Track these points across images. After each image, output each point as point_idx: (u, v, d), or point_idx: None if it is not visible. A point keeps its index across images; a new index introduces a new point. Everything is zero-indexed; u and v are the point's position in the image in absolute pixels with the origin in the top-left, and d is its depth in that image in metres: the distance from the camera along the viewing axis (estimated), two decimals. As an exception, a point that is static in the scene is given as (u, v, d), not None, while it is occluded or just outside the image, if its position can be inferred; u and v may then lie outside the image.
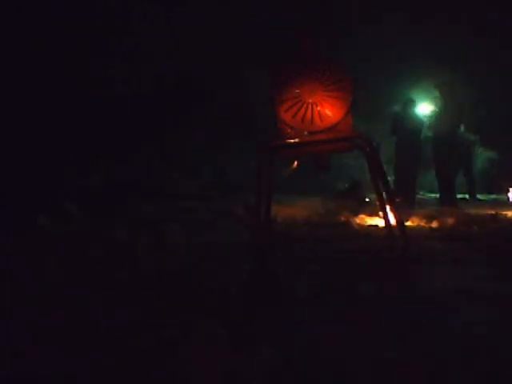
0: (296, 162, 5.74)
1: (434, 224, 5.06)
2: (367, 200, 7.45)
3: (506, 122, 13.71)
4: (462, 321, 2.51)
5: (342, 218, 5.23)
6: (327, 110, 3.68)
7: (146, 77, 6.84)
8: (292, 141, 3.68)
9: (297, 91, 3.68)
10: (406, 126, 8.68)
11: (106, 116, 6.72)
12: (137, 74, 6.72)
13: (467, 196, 12.13)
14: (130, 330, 2.49)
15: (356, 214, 5.35)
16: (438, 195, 8.03)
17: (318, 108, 3.68)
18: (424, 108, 10.44)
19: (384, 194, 3.79)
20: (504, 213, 5.18)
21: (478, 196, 12.39)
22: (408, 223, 4.82)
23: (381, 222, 4.54)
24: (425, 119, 9.33)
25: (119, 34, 6.71)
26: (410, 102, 9.00)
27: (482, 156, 16.13)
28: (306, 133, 3.72)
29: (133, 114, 6.84)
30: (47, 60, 6.39)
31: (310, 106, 3.68)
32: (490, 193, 14.78)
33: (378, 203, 4.64)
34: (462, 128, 9.12)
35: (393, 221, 3.82)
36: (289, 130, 3.71)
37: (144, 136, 6.76)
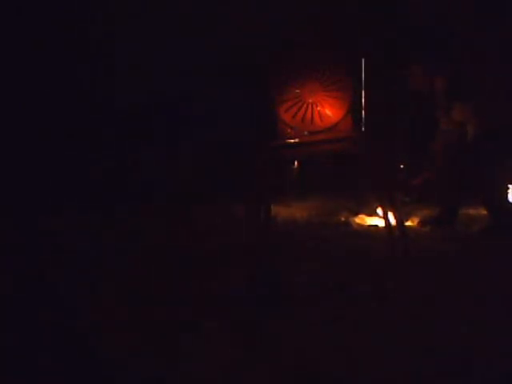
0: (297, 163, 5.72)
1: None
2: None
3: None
4: (461, 322, 2.51)
5: (342, 218, 5.22)
6: (327, 110, 3.68)
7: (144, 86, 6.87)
8: (292, 141, 3.68)
9: (297, 91, 3.68)
10: None
11: (105, 120, 6.75)
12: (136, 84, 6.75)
13: None
14: (131, 330, 2.49)
15: (356, 214, 5.34)
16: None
17: (318, 108, 3.68)
18: None
19: (384, 194, 3.79)
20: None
21: None
22: (408, 223, 4.81)
23: (381, 222, 4.53)
24: None
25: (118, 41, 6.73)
26: None
27: None
28: (306, 133, 3.72)
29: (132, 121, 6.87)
30: (47, 60, 6.40)
31: (309, 106, 3.68)
32: None
33: (378, 203, 4.64)
34: None
35: (393, 221, 3.82)
36: (289, 130, 3.71)
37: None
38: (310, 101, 3.67)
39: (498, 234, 4.24)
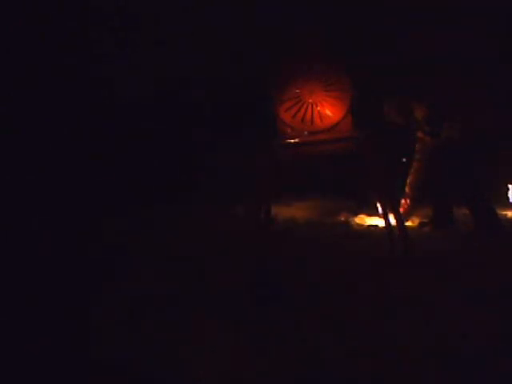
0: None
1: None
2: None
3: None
4: (461, 321, 2.51)
5: (342, 218, 5.22)
6: (327, 110, 3.68)
7: (147, 78, 6.84)
8: (292, 141, 3.68)
9: (297, 91, 3.68)
10: None
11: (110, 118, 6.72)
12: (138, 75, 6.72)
13: None
14: (131, 330, 2.50)
15: (356, 214, 5.35)
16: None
17: (318, 108, 3.68)
18: None
19: (384, 194, 3.80)
20: (504, 213, 5.17)
21: None
22: (408, 223, 4.82)
23: (381, 222, 4.54)
24: None
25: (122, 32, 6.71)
26: None
27: None
28: (306, 133, 3.72)
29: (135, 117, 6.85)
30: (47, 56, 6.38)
31: (309, 106, 3.68)
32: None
33: (378, 203, 4.65)
34: None
35: (393, 221, 3.82)
36: (289, 130, 3.71)
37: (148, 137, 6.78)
38: (310, 101, 3.67)
39: (488, 235, 4.27)
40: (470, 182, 4.48)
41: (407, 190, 4.87)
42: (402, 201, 4.87)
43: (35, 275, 3.25)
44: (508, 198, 5.28)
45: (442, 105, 4.57)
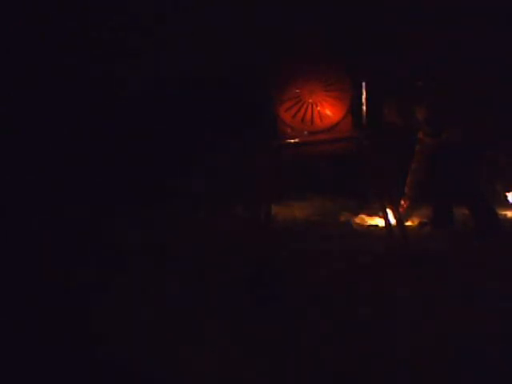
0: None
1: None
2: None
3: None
4: (461, 324, 2.51)
5: (342, 218, 5.22)
6: (327, 110, 3.68)
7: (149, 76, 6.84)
8: (292, 141, 3.68)
9: (297, 91, 3.68)
10: None
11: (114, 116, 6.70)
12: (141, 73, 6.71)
13: None
14: (131, 330, 2.50)
15: (356, 214, 5.35)
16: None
17: (318, 108, 3.68)
18: None
19: (384, 194, 3.80)
20: (504, 213, 5.18)
21: None
22: (408, 223, 4.82)
23: (381, 222, 4.54)
24: None
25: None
26: None
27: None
28: (306, 133, 3.72)
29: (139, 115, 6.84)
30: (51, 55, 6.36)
31: (309, 106, 3.68)
32: None
33: (377, 203, 4.65)
34: None
35: (393, 221, 3.82)
36: (289, 130, 3.71)
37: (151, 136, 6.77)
38: (310, 101, 3.67)
39: (488, 236, 4.27)
40: (470, 182, 4.48)
41: (406, 190, 4.88)
42: (401, 201, 4.88)
43: (35, 275, 3.24)
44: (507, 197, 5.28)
45: (442, 105, 4.58)
